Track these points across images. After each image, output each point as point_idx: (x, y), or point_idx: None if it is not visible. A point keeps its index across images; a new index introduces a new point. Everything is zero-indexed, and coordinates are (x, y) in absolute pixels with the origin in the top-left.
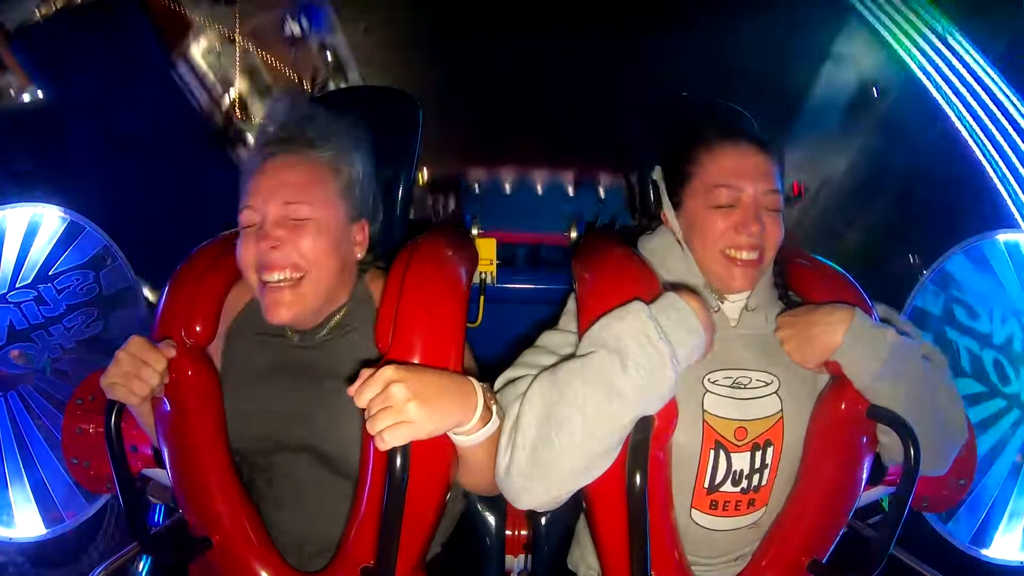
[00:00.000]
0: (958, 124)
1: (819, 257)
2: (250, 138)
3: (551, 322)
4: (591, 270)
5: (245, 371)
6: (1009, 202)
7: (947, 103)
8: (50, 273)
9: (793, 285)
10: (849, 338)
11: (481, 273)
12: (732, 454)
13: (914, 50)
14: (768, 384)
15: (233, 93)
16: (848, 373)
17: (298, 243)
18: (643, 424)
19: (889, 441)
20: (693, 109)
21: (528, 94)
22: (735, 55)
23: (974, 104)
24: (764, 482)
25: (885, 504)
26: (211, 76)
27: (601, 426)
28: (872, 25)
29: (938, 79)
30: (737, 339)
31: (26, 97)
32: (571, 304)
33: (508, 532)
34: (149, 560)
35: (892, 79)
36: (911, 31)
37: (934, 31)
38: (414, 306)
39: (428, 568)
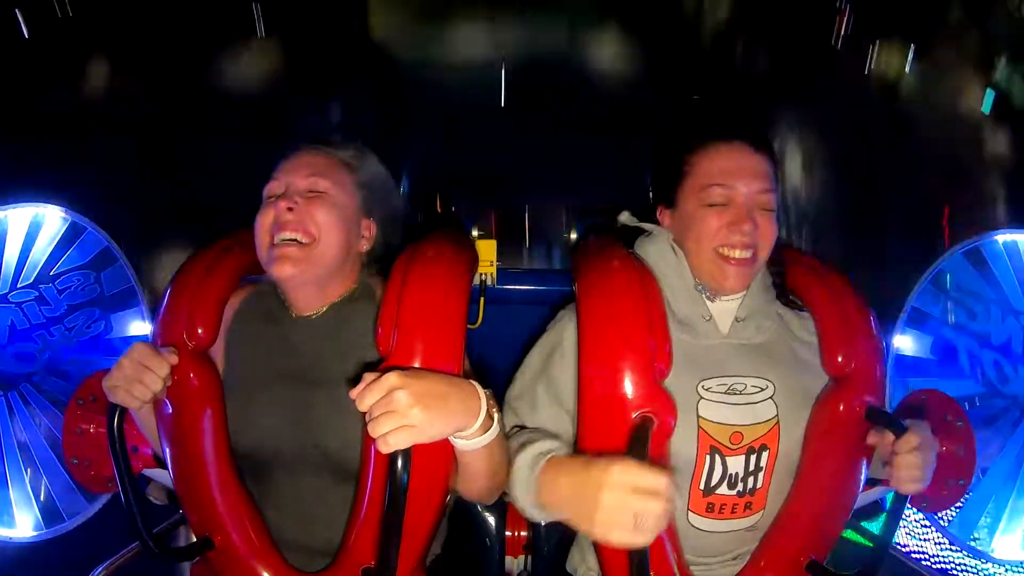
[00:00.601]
0: None
1: (820, 258)
2: None
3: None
4: (591, 272)
5: (245, 375)
6: None
7: None
8: (51, 273)
9: (792, 286)
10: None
11: (481, 275)
12: (727, 457)
13: None
14: (763, 390)
15: None
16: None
17: (314, 212)
18: (643, 424)
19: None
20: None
21: None
22: None
23: None
24: (759, 484)
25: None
26: None
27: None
28: None
29: None
30: (729, 349)
31: None
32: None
33: (508, 533)
34: (149, 560)
35: None
36: None
37: None
38: (416, 309)
39: (428, 569)
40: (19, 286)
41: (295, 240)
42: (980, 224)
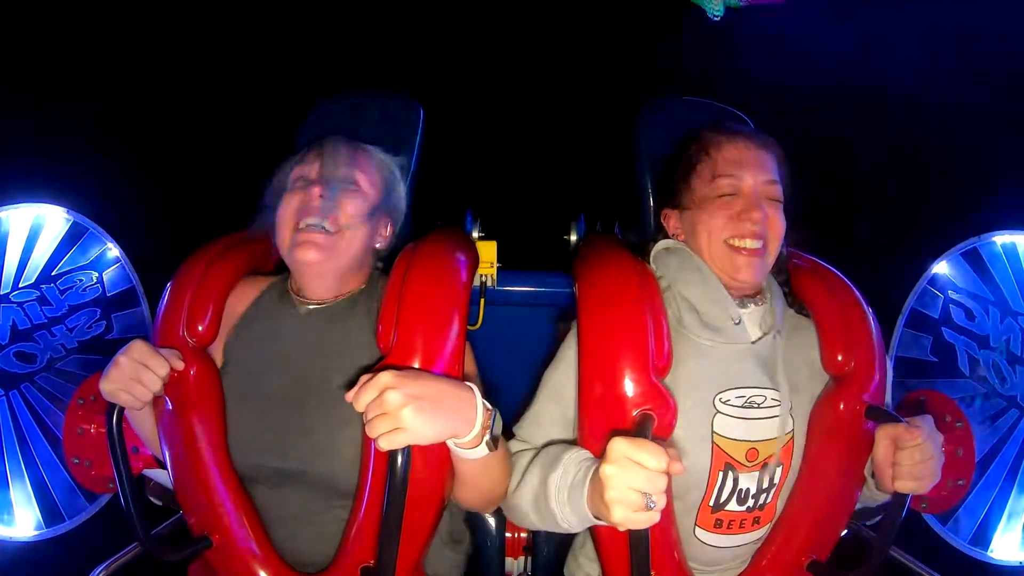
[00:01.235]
0: None
1: (819, 259)
2: None
3: (551, 325)
4: (590, 272)
5: (243, 376)
6: None
7: None
8: (53, 273)
9: (794, 287)
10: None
11: (481, 276)
12: (740, 474)
13: None
14: (781, 404)
15: None
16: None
17: (345, 203)
18: (643, 421)
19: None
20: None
21: None
22: None
23: None
24: (770, 499)
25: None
26: None
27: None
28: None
29: None
30: (752, 356)
31: None
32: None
33: (508, 534)
34: (149, 560)
35: None
36: None
37: None
38: (415, 309)
39: None
40: (21, 286)
41: (322, 227)
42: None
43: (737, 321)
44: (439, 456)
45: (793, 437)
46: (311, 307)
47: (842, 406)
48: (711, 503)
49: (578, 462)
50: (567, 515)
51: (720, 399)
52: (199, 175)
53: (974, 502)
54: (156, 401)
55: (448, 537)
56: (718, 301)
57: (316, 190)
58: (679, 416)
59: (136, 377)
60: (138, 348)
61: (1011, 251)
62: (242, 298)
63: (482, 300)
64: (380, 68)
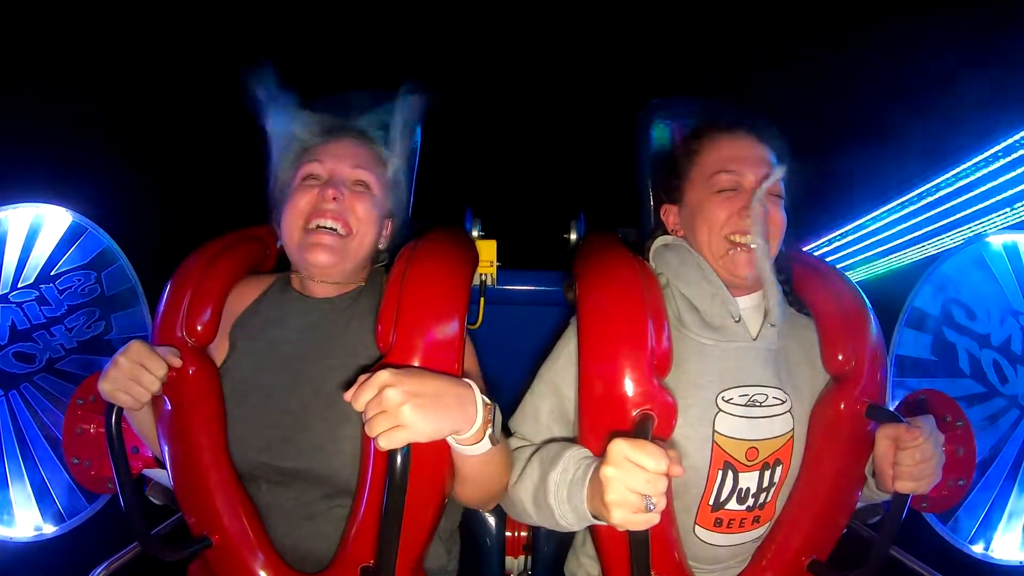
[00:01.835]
0: None
1: (818, 257)
2: None
3: (551, 324)
4: (591, 272)
5: (244, 376)
6: None
7: None
8: (52, 273)
9: (796, 289)
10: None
11: (481, 275)
12: (740, 473)
13: None
14: (783, 402)
15: None
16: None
17: (355, 205)
18: (643, 421)
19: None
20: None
21: None
22: None
23: None
24: (770, 499)
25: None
26: None
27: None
28: None
29: None
30: (755, 354)
31: None
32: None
33: (508, 533)
34: (149, 560)
35: None
36: None
37: None
38: (415, 308)
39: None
40: (20, 286)
41: (334, 230)
42: None
43: (737, 319)
44: (439, 454)
45: (793, 436)
46: (313, 304)
47: (842, 405)
48: (711, 502)
49: (578, 460)
50: (565, 512)
51: (723, 397)
52: (199, 175)
53: (974, 502)
54: (155, 401)
55: (447, 536)
56: (717, 297)
57: (330, 192)
58: (680, 415)
59: (134, 377)
60: (136, 348)
61: (1012, 251)
62: (242, 297)
63: (482, 299)
64: (380, 67)
